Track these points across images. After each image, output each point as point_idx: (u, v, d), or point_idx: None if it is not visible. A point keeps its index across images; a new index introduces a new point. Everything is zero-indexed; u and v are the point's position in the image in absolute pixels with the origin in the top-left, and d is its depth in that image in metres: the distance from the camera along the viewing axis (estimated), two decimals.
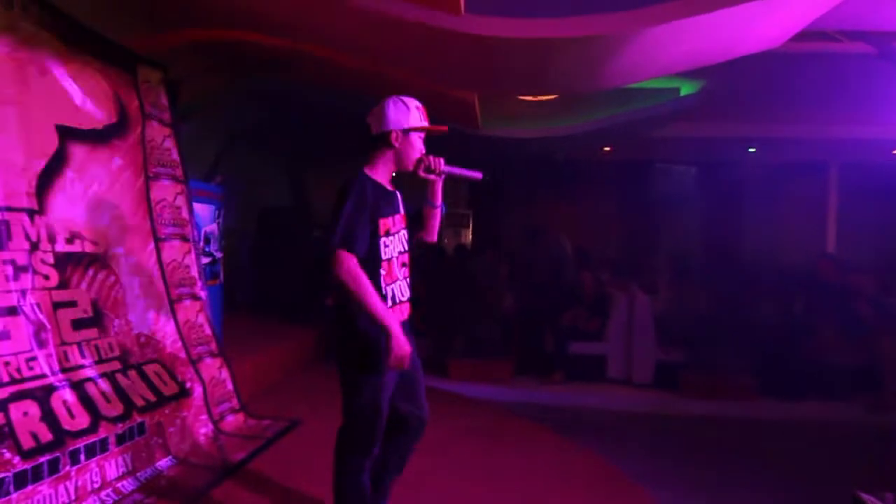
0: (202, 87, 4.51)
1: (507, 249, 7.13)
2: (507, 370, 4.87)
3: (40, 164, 2.40)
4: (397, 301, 1.84)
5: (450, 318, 5.05)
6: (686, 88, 5.18)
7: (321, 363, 4.83)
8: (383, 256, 1.80)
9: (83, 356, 2.40)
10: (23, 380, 2.09)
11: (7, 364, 2.05)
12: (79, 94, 2.67)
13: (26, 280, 2.22)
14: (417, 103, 1.87)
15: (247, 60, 4.24)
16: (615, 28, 2.51)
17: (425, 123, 1.87)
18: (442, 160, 1.87)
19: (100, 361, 2.48)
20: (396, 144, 1.82)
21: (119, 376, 2.54)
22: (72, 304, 2.43)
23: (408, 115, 1.82)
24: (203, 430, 2.93)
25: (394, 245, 1.84)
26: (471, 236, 8.66)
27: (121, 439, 2.37)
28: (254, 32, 3.58)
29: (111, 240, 2.76)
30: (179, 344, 3.03)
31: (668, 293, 5.25)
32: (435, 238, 2.11)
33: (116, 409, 2.42)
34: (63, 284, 2.40)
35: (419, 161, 1.86)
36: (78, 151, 2.62)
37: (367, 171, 1.84)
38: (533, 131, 5.33)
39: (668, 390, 4.71)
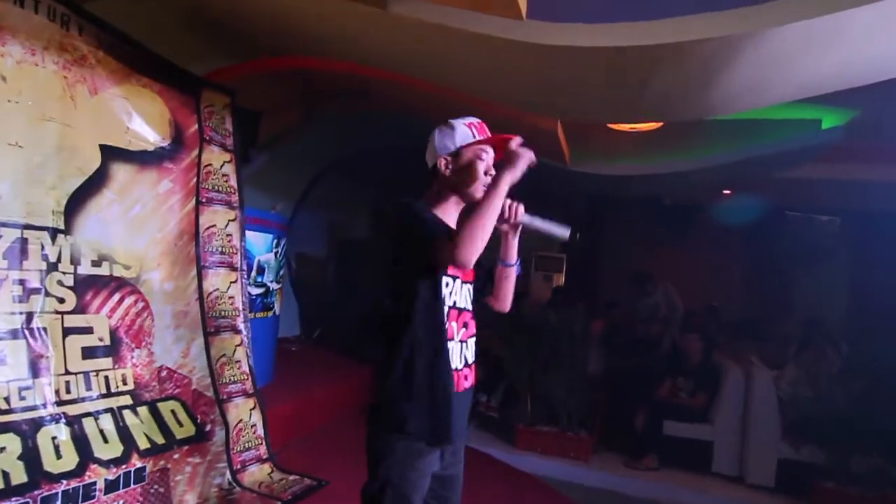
0: (284, 119, 4.53)
1: (603, 300, 6.38)
2: (586, 445, 4.12)
3: (75, 183, 2.33)
4: (455, 365, 1.45)
5: (522, 374, 4.44)
6: (830, 120, 4.24)
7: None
8: (447, 301, 1.46)
9: (88, 388, 2.23)
10: (9, 411, 1.93)
11: None
12: (131, 116, 2.62)
13: (36, 302, 2.11)
14: (472, 119, 1.54)
15: (320, 92, 4.16)
16: (727, 29, 1.92)
17: (479, 136, 1.52)
18: (520, 206, 1.52)
19: (106, 395, 2.30)
20: (448, 172, 1.51)
21: (127, 413, 2.35)
22: (86, 330, 2.29)
23: (453, 135, 1.51)
24: (217, 480, 2.65)
25: (454, 292, 1.49)
26: (563, 282, 7.97)
27: (111, 486, 2.14)
28: (320, 58, 3.44)
29: (146, 264, 2.63)
30: (208, 381, 2.81)
31: (798, 370, 4.19)
32: (507, 306, 1.68)
33: (114, 451, 2.21)
34: (79, 309, 2.27)
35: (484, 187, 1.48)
36: (121, 172, 2.55)
37: (429, 207, 1.53)
38: (633, 168, 4.65)
39: (796, 499, 3.67)
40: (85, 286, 2.31)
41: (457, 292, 1.50)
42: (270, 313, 3.76)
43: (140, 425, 2.37)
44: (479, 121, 1.56)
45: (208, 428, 2.69)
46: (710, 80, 2.53)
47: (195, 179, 2.98)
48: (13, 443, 1.90)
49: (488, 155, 1.52)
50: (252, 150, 4.34)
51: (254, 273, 3.50)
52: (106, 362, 2.34)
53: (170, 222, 2.80)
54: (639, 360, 4.79)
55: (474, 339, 1.57)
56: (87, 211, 2.37)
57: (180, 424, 2.56)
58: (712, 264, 7.06)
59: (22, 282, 2.06)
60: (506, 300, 1.66)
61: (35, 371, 2.04)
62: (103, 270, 2.41)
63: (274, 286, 3.76)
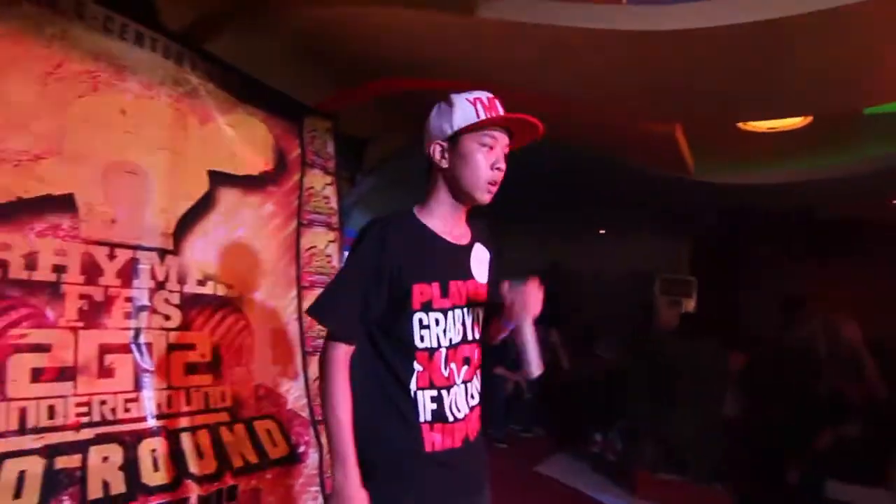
0: (390, 143, 4.59)
1: (744, 331, 5.56)
2: (722, 502, 3.50)
3: (184, 207, 2.47)
4: (447, 418, 1.20)
5: (643, 411, 3.94)
6: None
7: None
8: (418, 343, 1.18)
9: (188, 403, 2.30)
10: (115, 422, 2.03)
11: (103, 403, 2.01)
12: (237, 142, 2.76)
13: (144, 319, 2.22)
14: (479, 94, 1.21)
15: (421, 114, 4.13)
16: None
17: (486, 116, 1.18)
18: (532, 326, 1.18)
19: (206, 411, 2.36)
20: (443, 163, 1.22)
21: (223, 430, 2.38)
22: (189, 346, 2.38)
23: (451, 114, 1.19)
24: None
25: (445, 327, 1.20)
26: (693, 309, 7.12)
27: (203, 503, 2.16)
28: (415, 79, 3.41)
29: (249, 284, 2.71)
30: (304, 401, 2.81)
31: None
32: (495, 341, 1.35)
33: (208, 467, 2.24)
34: (184, 326, 2.37)
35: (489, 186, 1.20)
36: (227, 196, 2.67)
37: (416, 211, 1.28)
38: (773, 175, 3.99)
39: None
40: (190, 305, 2.42)
41: (450, 327, 1.20)
42: None
43: (235, 443, 2.39)
44: (488, 95, 1.21)
45: (302, 449, 2.66)
46: (876, 55, 2.02)
47: (297, 202, 3.06)
48: (116, 453, 1.98)
49: (497, 142, 1.19)
50: (358, 175, 4.46)
51: None
52: (206, 379, 2.41)
53: (272, 243, 2.88)
54: (789, 404, 4.02)
55: (480, 369, 1.30)
56: (195, 233, 2.50)
57: (274, 444, 2.56)
58: (881, 289, 5.85)
59: (132, 299, 2.19)
60: (498, 336, 1.35)
61: (140, 384, 2.14)
62: (207, 290, 2.51)
63: None
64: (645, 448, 3.87)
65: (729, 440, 3.76)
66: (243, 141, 2.78)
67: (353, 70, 3.47)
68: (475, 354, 1.28)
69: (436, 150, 1.22)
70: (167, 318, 2.31)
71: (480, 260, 1.30)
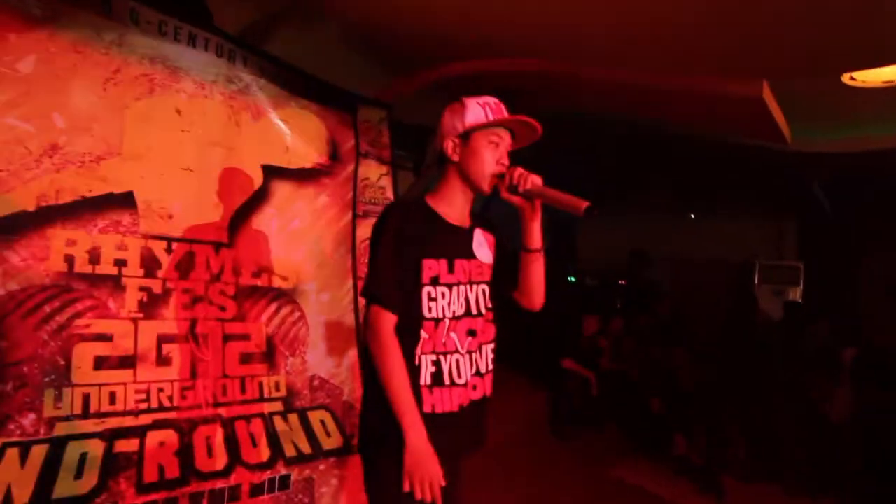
0: None
1: (857, 322, 4.88)
2: None
3: (239, 200, 2.53)
4: (444, 381, 1.35)
5: (733, 413, 3.54)
6: None
7: (544, 438, 4.03)
8: (426, 314, 1.34)
9: (243, 392, 2.37)
10: (172, 408, 2.12)
11: (160, 391, 2.11)
12: (291, 136, 2.79)
13: (200, 310, 2.31)
14: (487, 99, 1.40)
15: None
16: None
17: (493, 118, 1.37)
18: (535, 177, 1.34)
19: (260, 399, 2.41)
20: (455, 156, 1.39)
21: (277, 419, 2.43)
22: (244, 337, 2.44)
23: (463, 114, 1.37)
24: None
25: (450, 301, 1.36)
26: (801, 298, 6.38)
27: (256, 491, 2.21)
28: (475, 61, 3.27)
29: (303, 276, 2.74)
30: (359, 393, 2.80)
31: None
32: (537, 302, 1.49)
33: (261, 455, 2.29)
34: (239, 317, 2.44)
35: (499, 177, 1.37)
36: (282, 189, 2.71)
37: (427, 198, 1.45)
38: (892, 140, 3.38)
39: None
40: (245, 296, 2.48)
41: (454, 301, 1.35)
42: None
43: (289, 432, 2.43)
44: (495, 100, 1.40)
45: (356, 441, 2.65)
46: None
47: (352, 193, 3.06)
48: (171, 438, 2.07)
49: (502, 140, 1.38)
50: (423, 165, 4.41)
51: None
52: (261, 368, 2.46)
53: (326, 235, 2.90)
54: None
55: (491, 345, 1.46)
56: (249, 225, 2.56)
57: (328, 435, 2.57)
58: None
59: (188, 291, 2.28)
60: (534, 294, 1.47)
61: (195, 373, 2.22)
62: (262, 281, 2.57)
63: None
64: (736, 452, 3.49)
65: (838, 445, 3.28)
66: (297, 134, 2.81)
67: (408, 58, 3.41)
68: (481, 328, 1.42)
69: (449, 146, 1.39)
70: (223, 308, 2.38)
71: (482, 242, 1.46)
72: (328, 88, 3.01)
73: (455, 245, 1.40)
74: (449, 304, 1.35)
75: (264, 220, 2.62)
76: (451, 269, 1.36)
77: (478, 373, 1.42)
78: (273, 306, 2.58)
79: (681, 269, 7.01)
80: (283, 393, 2.50)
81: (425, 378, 1.33)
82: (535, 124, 1.35)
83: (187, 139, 2.36)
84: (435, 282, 1.34)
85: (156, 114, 2.26)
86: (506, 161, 1.38)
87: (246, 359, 2.42)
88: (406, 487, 1.24)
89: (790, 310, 5.64)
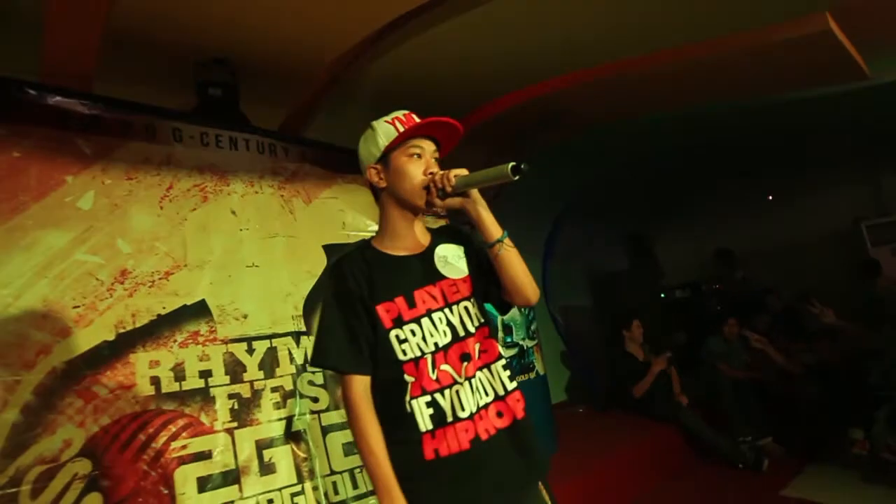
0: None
1: None
2: None
3: (307, 286, 2.46)
4: (448, 419, 1.18)
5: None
6: None
7: (676, 477, 3.49)
8: (401, 357, 1.20)
9: (354, 487, 2.16)
10: None
11: (270, 502, 1.94)
12: (345, 211, 2.75)
13: (293, 406, 2.17)
14: (396, 114, 1.29)
15: (522, 134, 3.88)
16: None
17: (405, 130, 1.24)
18: (456, 170, 1.21)
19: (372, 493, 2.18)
20: (382, 184, 1.27)
21: None
22: (343, 426, 2.26)
23: (375, 137, 1.27)
24: None
25: (423, 335, 1.21)
26: None
27: None
28: (501, 98, 3.19)
29: None
30: None
31: None
32: (526, 295, 1.25)
33: None
34: (333, 405, 2.28)
35: (424, 189, 1.23)
36: None
37: (372, 240, 1.33)
38: None
39: None
40: (335, 382, 2.33)
41: (432, 332, 1.21)
42: (533, 374, 3.39)
43: None
44: (405, 112, 1.29)
45: None
46: None
47: None
48: None
49: (424, 150, 1.25)
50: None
51: (500, 335, 3.23)
52: None
53: None
54: None
55: (500, 362, 1.28)
56: None
57: None
58: None
59: (277, 389, 2.15)
60: (519, 288, 1.24)
61: (305, 474, 2.05)
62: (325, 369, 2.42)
63: (528, 343, 3.41)
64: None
65: None
66: (349, 208, 2.76)
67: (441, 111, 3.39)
68: (476, 348, 1.25)
69: (372, 174, 1.28)
70: (315, 400, 2.24)
71: (447, 258, 1.30)
72: None
73: (409, 276, 1.25)
74: (425, 339, 1.20)
75: None
76: (411, 304, 1.22)
77: (497, 397, 1.24)
78: None
79: (776, 257, 6.37)
80: None
81: (424, 423, 1.17)
82: (451, 122, 1.22)
83: (247, 237, 2.34)
84: (399, 323, 1.21)
85: (212, 219, 2.26)
86: (435, 169, 1.24)
87: (350, 449, 2.23)
88: None
89: None
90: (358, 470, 2.20)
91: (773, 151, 5.18)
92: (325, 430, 2.20)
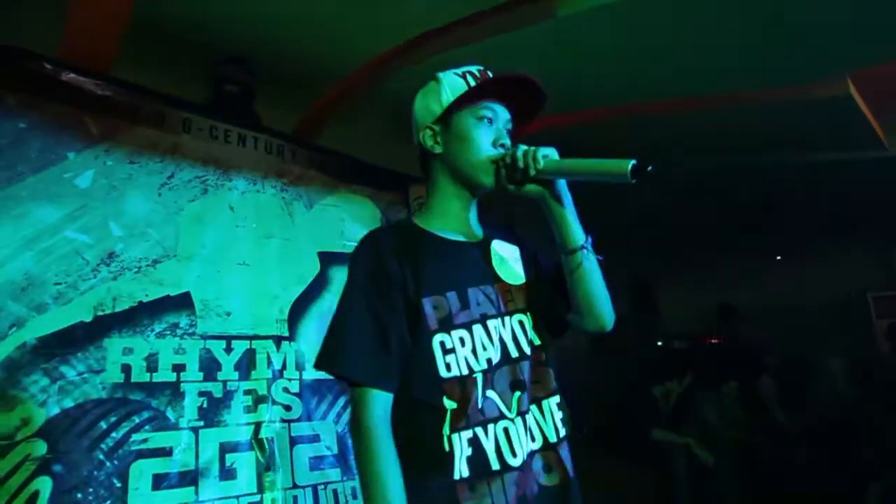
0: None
1: None
2: None
3: (296, 291, 2.42)
4: (491, 466, 0.87)
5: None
6: None
7: None
8: (443, 373, 0.90)
9: (318, 502, 2.08)
10: None
11: None
12: (345, 221, 2.72)
13: (264, 411, 2.11)
14: (471, 68, 1.02)
15: None
16: None
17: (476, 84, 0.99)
18: (546, 149, 0.92)
19: None
20: (437, 149, 1.01)
21: None
22: (313, 438, 2.20)
23: (439, 90, 1.01)
24: None
25: (474, 347, 0.92)
26: None
27: None
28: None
29: None
30: None
31: None
32: (602, 320, 1.00)
33: None
34: (305, 416, 2.21)
35: (493, 163, 0.97)
36: (340, 274, 2.59)
37: (414, 217, 1.06)
38: None
39: None
40: (311, 392, 2.28)
41: (483, 345, 0.91)
42: None
43: None
44: (479, 68, 1.03)
45: None
46: None
47: None
48: None
49: (498, 116, 0.99)
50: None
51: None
52: (335, 474, 2.18)
53: None
54: None
55: (555, 398, 0.98)
56: (310, 315, 2.42)
57: None
58: None
59: (250, 392, 2.10)
60: (593, 309, 0.98)
61: (262, 485, 1.97)
62: (328, 375, 2.36)
63: None
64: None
65: None
66: (350, 218, 2.74)
67: None
68: (531, 376, 0.95)
69: (427, 136, 1.02)
70: (288, 408, 2.17)
71: (505, 258, 1.03)
72: (377, 170, 2.97)
73: (466, 268, 0.98)
74: (475, 352, 0.91)
75: (325, 309, 2.47)
76: (464, 304, 0.94)
77: (545, 446, 0.94)
78: (341, 401, 2.35)
79: (779, 317, 6.27)
80: (360, 502, 2.19)
81: (460, 469, 0.86)
82: (536, 83, 0.97)
83: (242, 234, 2.31)
84: (447, 325, 0.91)
85: (210, 213, 2.24)
86: (507, 141, 0.99)
87: (316, 464, 2.15)
88: None
89: None
90: (322, 487, 2.12)
91: (786, 210, 5.15)
92: (294, 441, 2.13)
